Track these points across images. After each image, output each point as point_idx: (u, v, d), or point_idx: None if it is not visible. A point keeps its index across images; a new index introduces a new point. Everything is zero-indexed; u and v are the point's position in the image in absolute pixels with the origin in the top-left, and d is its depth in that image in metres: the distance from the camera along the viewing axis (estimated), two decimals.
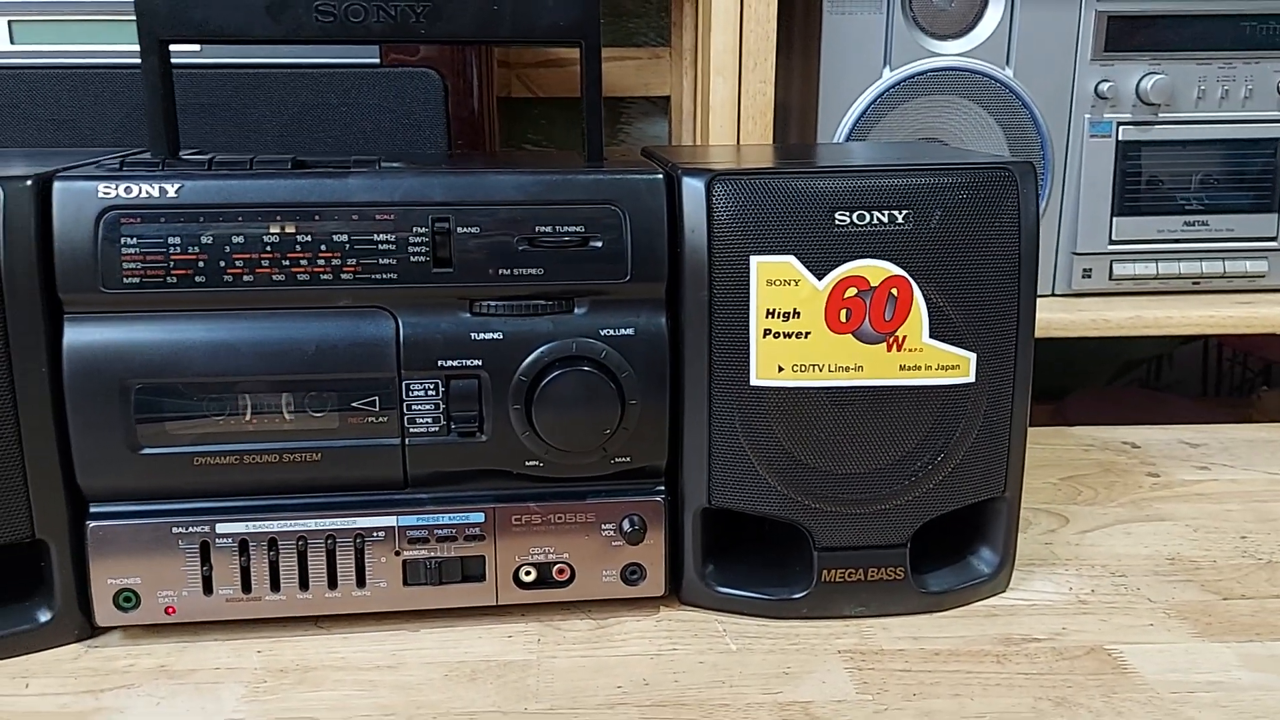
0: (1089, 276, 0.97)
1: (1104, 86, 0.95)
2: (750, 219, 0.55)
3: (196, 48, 0.83)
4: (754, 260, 0.55)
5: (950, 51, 0.96)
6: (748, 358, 0.56)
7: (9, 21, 0.83)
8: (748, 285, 0.55)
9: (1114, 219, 0.97)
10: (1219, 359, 1.47)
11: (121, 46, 0.83)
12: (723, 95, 0.87)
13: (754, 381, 0.56)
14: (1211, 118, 0.96)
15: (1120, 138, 0.96)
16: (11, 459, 0.53)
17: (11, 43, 0.83)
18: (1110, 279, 0.97)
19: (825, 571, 0.59)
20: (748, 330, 0.55)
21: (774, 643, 0.57)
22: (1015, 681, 0.53)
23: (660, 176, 0.56)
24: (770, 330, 0.55)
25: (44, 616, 0.56)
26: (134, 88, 0.83)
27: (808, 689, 0.53)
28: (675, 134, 1.18)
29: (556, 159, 0.67)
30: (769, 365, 0.56)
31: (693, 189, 0.56)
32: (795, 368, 0.55)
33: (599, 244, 0.56)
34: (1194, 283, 0.97)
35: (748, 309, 0.55)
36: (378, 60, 0.85)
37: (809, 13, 0.95)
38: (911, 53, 0.96)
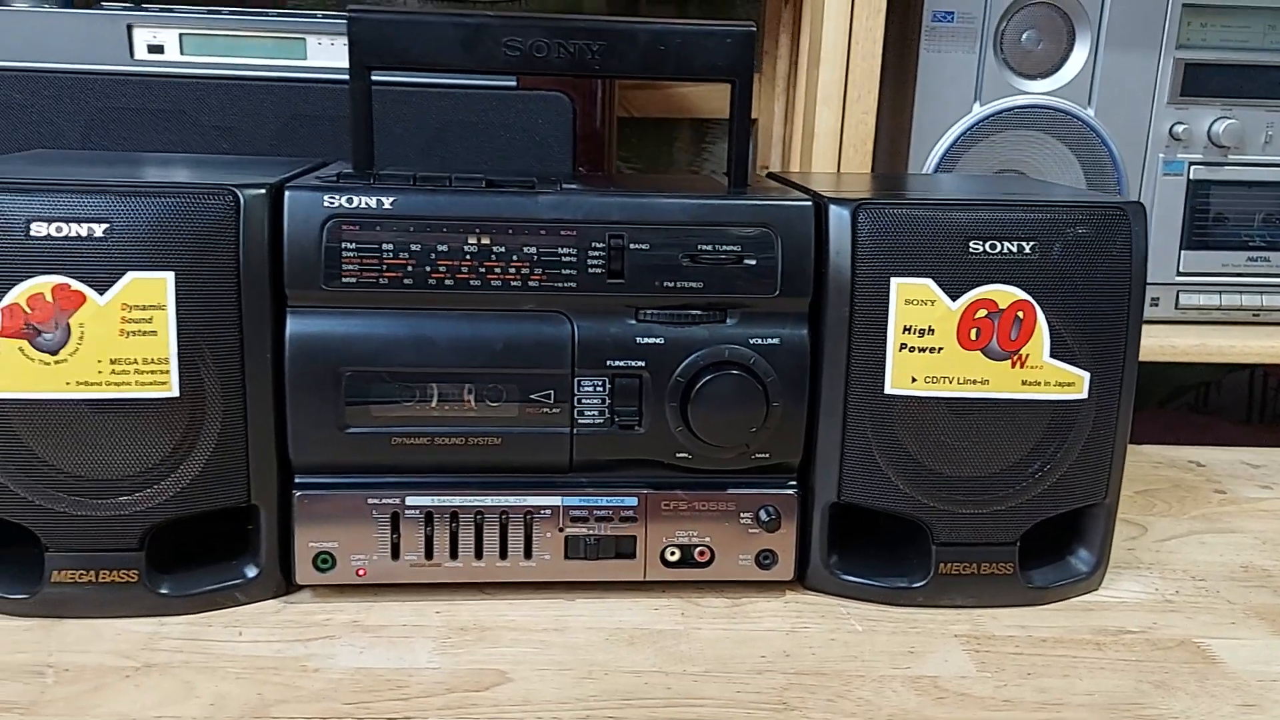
0: (1156, 305, 1.03)
1: (1178, 128, 1.02)
2: (892, 244, 0.62)
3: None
4: (894, 281, 0.62)
5: (1036, 90, 1.03)
6: (883, 368, 0.63)
7: (180, 34, 0.90)
8: (886, 303, 0.62)
9: (1182, 252, 1.03)
10: (1264, 386, 1.53)
11: (278, 61, 0.91)
12: (828, 124, 0.94)
13: (888, 390, 0.63)
14: (1277, 161, 1.03)
15: (1191, 177, 1.03)
16: (238, 433, 0.60)
17: (182, 53, 0.91)
18: (1176, 308, 1.04)
19: (942, 564, 0.65)
20: (884, 344, 0.62)
21: (895, 626, 0.64)
22: (1116, 667, 0.60)
23: (810, 204, 0.63)
24: (906, 344, 0.62)
25: (251, 572, 0.63)
26: (290, 99, 0.90)
27: (933, 666, 0.60)
28: (761, 156, 1.25)
29: (700, 183, 0.74)
30: (903, 376, 0.62)
31: (839, 216, 0.63)
32: (927, 379, 0.62)
33: (753, 262, 0.63)
34: (1254, 314, 1.04)
35: (885, 325, 0.62)
36: (514, 83, 0.92)
37: (905, 50, 1.02)
38: (1000, 90, 1.02)
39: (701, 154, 1.35)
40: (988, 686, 0.58)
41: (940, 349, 0.62)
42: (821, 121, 0.94)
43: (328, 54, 0.91)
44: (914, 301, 0.62)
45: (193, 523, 0.61)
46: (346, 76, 0.92)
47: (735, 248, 0.63)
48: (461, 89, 0.92)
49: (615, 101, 0.96)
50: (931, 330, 0.62)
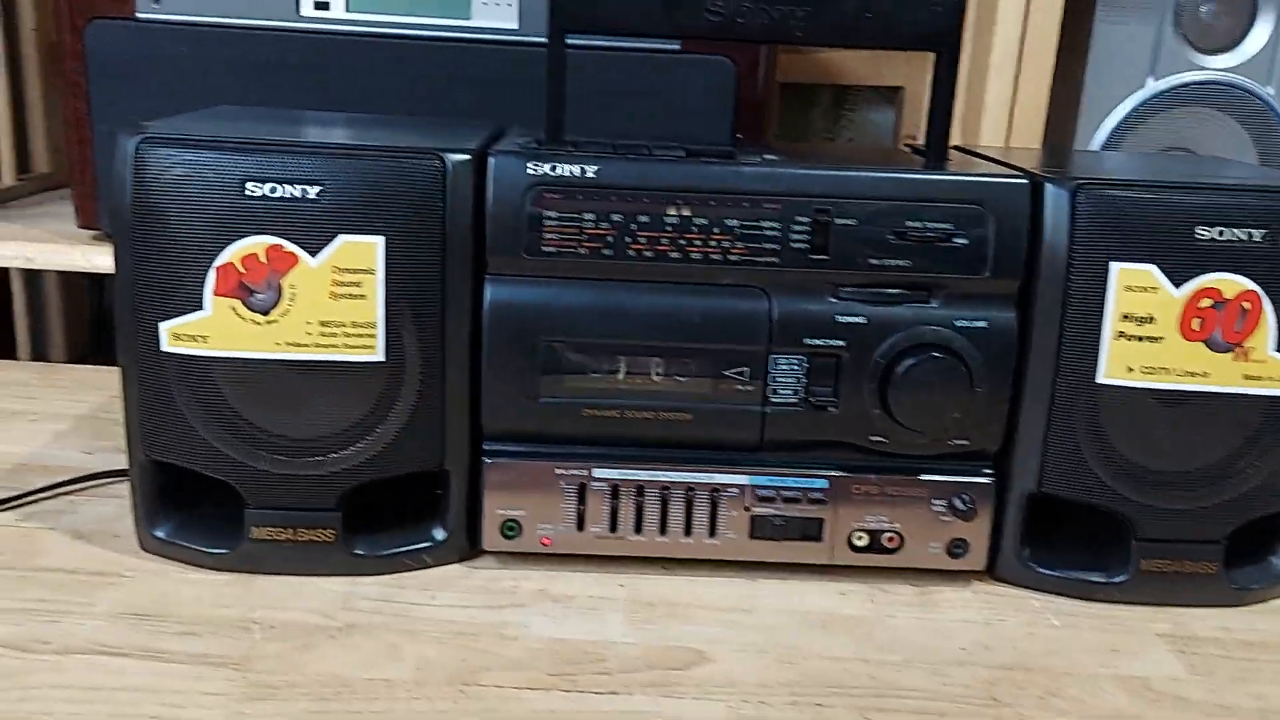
0: None
1: None
2: (1113, 228, 0.59)
3: (513, 24, 0.90)
4: (1114, 266, 0.59)
5: (1215, 66, 0.98)
6: (1096, 356, 0.60)
7: None
8: (1103, 289, 0.59)
9: None
10: None
11: (442, 20, 0.90)
12: (998, 94, 0.91)
13: (1100, 379, 0.60)
14: None
15: None
16: (434, 398, 0.60)
17: (348, 10, 0.90)
18: None
19: (1143, 561, 0.63)
20: (1099, 331, 0.60)
21: (1094, 622, 0.62)
22: None
23: (1025, 182, 0.61)
24: (1124, 333, 0.59)
25: (440, 535, 0.63)
26: (449, 60, 0.90)
27: (1140, 666, 0.58)
28: (906, 125, 1.22)
29: (894, 156, 0.71)
30: (1118, 365, 0.60)
31: (1057, 196, 0.60)
32: (1144, 369, 0.60)
33: (963, 240, 0.60)
34: None
35: (1101, 311, 0.60)
36: (678, 47, 0.90)
37: (1079, 20, 0.98)
38: (1177, 64, 0.98)
39: (840, 121, 1.32)
40: (1201, 690, 0.55)
41: (1160, 338, 0.59)
42: (992, 91, 0.91)
43: (491, 14, 0.90)
44: (1134, 288, 0.59)
45: (379, 487, 0.61)
46: (507, 38, 0.93)
47: (946, 225, 0.60)
48: (619, 52, 0.90)
49: (776, 66, 0.93)
50: (1151, 319, 0.59)
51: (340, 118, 0.74)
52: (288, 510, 0.60)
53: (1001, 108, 0.90)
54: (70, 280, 1.30)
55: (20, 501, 0.69)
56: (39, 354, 1.29)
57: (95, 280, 1.34)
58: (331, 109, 0.89)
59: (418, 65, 0.90)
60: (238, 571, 0.61)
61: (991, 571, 0.66)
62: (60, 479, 0.71)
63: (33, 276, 1.27)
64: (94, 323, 1.38)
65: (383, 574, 0.62)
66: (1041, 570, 0.64)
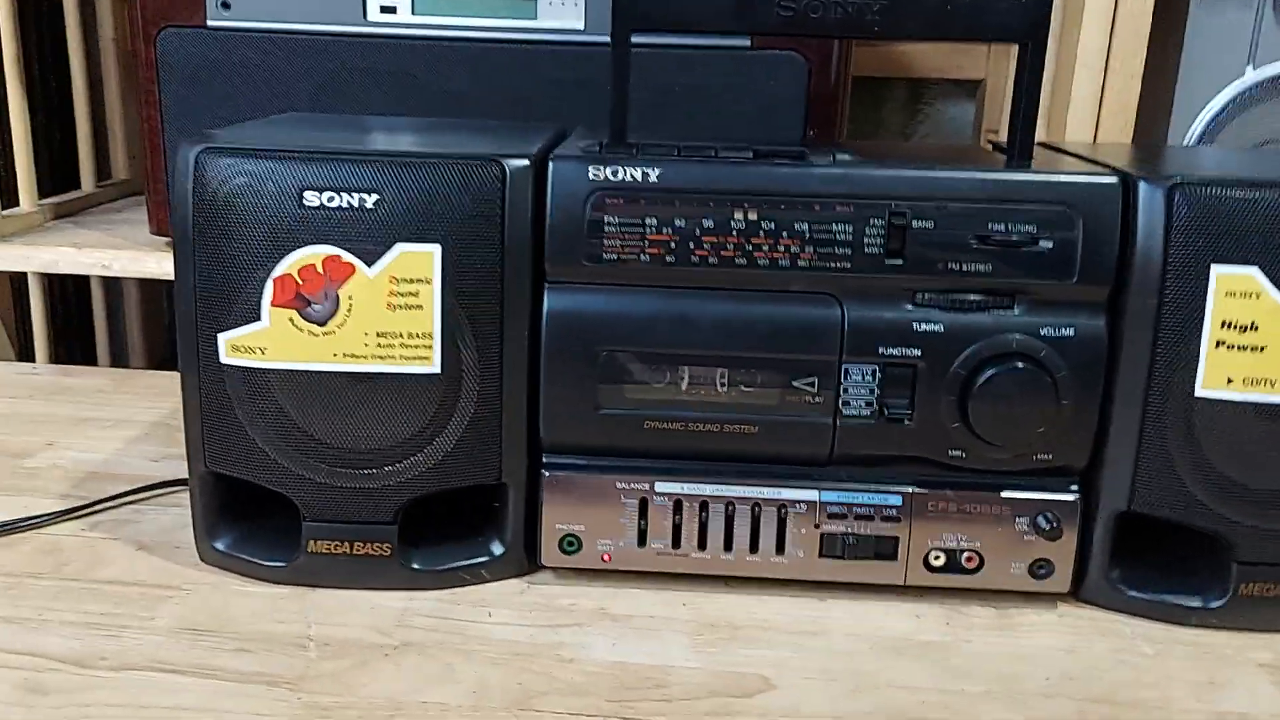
0: None
1: None
2: (1212, 229, 0.55)
3: (579, 24, 0.89)
4: (1214, 270, 0.55)
5: None
6: (1194, 367, 0.56)
7: None
8: (1202, 295, 0.55)
9: None
10: None
11: (508, 22, 0.89)
12: (1086, 89, 0.86)
13: (1198, 392, 0.56)
14: None
15: None
16: (492, 409, 0.59)
17: (414, 13, 0.90)
18: None
19: (1243, 585, 0.59)
20: (1198, 340, 0.56)
21: (1187, 650, 0.58)
22: None
23: (1116, 181, 0.57)
24: (1224, 342, 0.55)
25: (497, 550, 0.62)
26: (517, 62, 0.89)
27: (1239, 700, 0.53)
28: (986, 120, 1.17)
29: (972, 154, 0.68)
30: (1217, 377, 0.56)
31: (1151, 196, 0.56)
32: (1245, 381, 0.55)
33: (1049, 244, 0.57)
34: None
35: (1200, 319, 0.55)
36: (748, 43, 0.88)
37: (1172, 7, 0.93)
38: (1276, 53, 0.92)
39: (916, 116, 1.28)
40: None
41: (1263, 348, 0.55)
42: (1080, 86, 0.86)
43: (558, 14, 0.89)
44: (1236, 294, 0.55)
45: (436, 500, 0.60)
46: (573, 38, 0.91)
47: (1030, 228, 0.57)
48: (688, 49, 0.88)
49: (851, 61, 0.90)
50: (1255, 327, 0.55)
51: (404, 123, 0.73)
52: (344, 524, 0.59)
53: (1089, 103, 0.85)
54: (148, 287, 1.33)
55: (85, 511, 0.69)
56: (119, 361, 1.32)
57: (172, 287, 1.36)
58: (401, 113, 0.89)
59: (484, 67, 0.89)
60: (295, 585, 0.61)
61: (1077, 594, 0.62)
62: (127, 488, 0.72)
63: (112, 284, 1.30)
64: (171, 329, 1.40)
65: (440, 589, 0.61)
66: (1131, 593, 0.61)
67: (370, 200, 0.55)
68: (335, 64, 0.90)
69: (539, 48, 0.88)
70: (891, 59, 1.20)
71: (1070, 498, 0.60)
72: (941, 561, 0.61)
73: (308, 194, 0.55)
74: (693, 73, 0.88)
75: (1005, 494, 0.60)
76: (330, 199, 0.55)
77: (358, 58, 0.90)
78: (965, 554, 0.61)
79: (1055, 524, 0.60)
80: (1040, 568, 0.61)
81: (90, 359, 1.30)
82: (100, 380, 0.98)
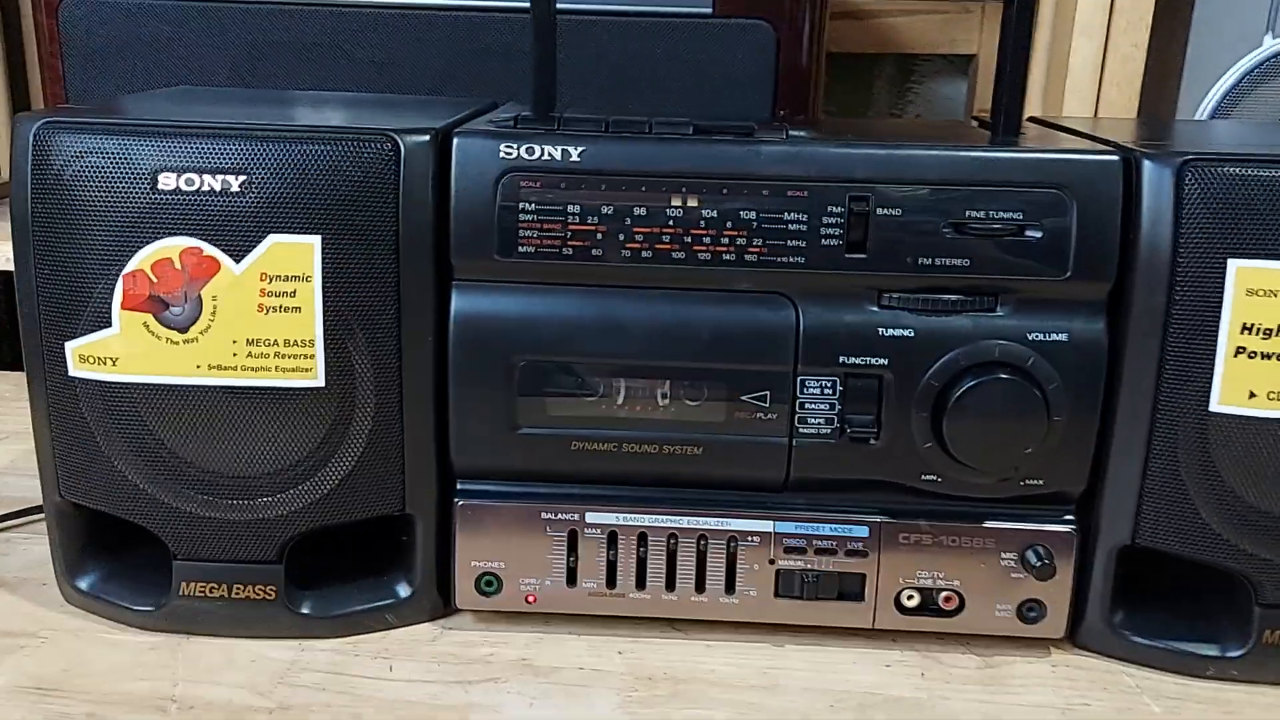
0: None
1: None
2: (1230, 214, 0.47)
3: None
4: (1232, 264, 0.47)
5: None
6: (1209, 378, 0.48)
7: None
8: (1218, 293, 0.47)
9: None
10: None
11: None
12: (1085, 57, 0.78)
13: (1214, 407, 0.48)
14: None
15: None
16: (392, 429, 0.50)
17: None
18: None
19: (1268, 631, 0.51)
20: (1214, 346, 0.47)
21: (1203, 708, 0.50)
22: None
23: (1117, 159, 0.48)
24: (1245, 349, 0.47)
25: (404, 592, 0.54)
26: (456, 32, 0.80)
27: None
28: (979, 97, 1.09)
29: (954, 130, 0.59)
30: (1238, 390, 0.47)
31: (1157, 176, 0.48)
32: (1271, 395, 0.47)
33: (1038, 234, 0.48)
34: None
35: (1216, 321, 0.47)
36: (710, 9, 0.79)
37: None
38: None
39: (905, 95, 1.19)
40: None
41: None
42: (1078, 55, 0.78)
43: None
44: (1259, 292, 0.47)
45: (335, 532, 0.52)
46: (515, 3, 0.82)
47: (1015, 215, 0.48)
48: (646, 17, 0.79)
49: (825, 32, 0.82)
50: None
51: (308, 97, 0.65)
52: (221, 563, 0.51)
53: (1089, 73, 0.77)
54: None
55: None
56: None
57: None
58: (328, 89, 0.80)
59: (417, 36, 0.80)
60: (167, 632, 0.52)
61: (1073, 639, 0.54)
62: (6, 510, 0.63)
63: None
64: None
65: (337, 637, 0.53)
66: (1136, 639, 0.52)
67: (237, 183, 0.47)
68: (254, 36, 0.81)
69: (477, 14, 0.80)
70: (878, 33, 1.12)
71: (1064, 529, 0.52)
72: (915, 602, 0.53)
73: (163, 176, 0.47)
74: (648, 44, 0.79)
75: (988, 524, 0.52)
76: (189, 182, 0.47)
77: (279, 29, 0.81)
78: (943, 593, 0.53)
79: (1047, 559, 0.51)
80: (1030, 610, 0.52)
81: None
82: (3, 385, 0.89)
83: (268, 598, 0.52)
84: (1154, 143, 0.52)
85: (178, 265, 0.47)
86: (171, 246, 0.47)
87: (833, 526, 0.52)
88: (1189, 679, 0.52)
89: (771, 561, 0.53)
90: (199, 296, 0.47)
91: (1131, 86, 0.77)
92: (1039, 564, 0.51)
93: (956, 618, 0.53)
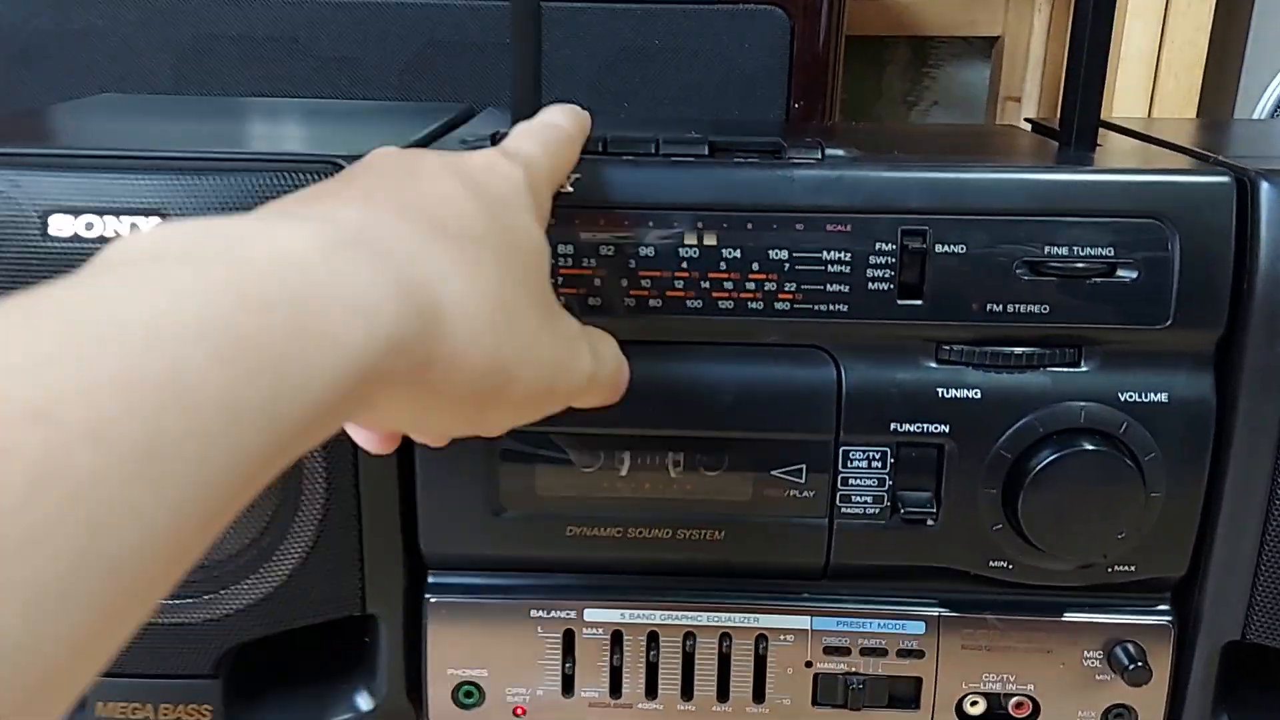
0: None
1: None
2: None
3: None
4: None
5: None
6: None
7: None
8: None
9: None
10: None
11: None
12: (1139, 44, 0.69)
13: None
14: None
15: None
16: (349, 511, 0.42)
17: None
18: None
19: None
20: None
21: None
22: None
23: (1229, 179, 0.40)
24: None
25: (365, 705, 0.45)
26: (424, 22, 0.71)
27: None
28: (1004, 83, 1.00)
29: (1006, 140, 0.50)
30: None
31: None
32: None
33: (1133, 273, 0.40)
34: None
35: None
36: None
37: None
38: None
39: (922, 81, 1.10)
40: None
41: None
42: (1131, 41, 0.69)
43: None
44: None
45: (278, 640, 0.43)
46: None
47: (1105, 250, 0.40)
48: (642, 4, 0.70)
49: (844, 19, 0.73)
50: None
51: (253, 106, 0.56)
52: (146, 678, 0.42)
53: (1143, 63, 0.68)
54: None
55: None
56: None
57: None
58: (282, 89, 0.71)
59: (387, 30, 0.71)
60: None
61: None
62: None
63: None
64: None
65: None
66: None
67: (147, 225, 0.38)
68: (200, 30, 0.72)
69: (449, 4, 0.71)
70: (892, 14, 1.02)
71: (1161, 622, 0.43)
72: (981, 709, 0.44)
73: (55, 219, 0.38)
74: (652, 33, 0.71)
75: (1068, 617, 0.43)
76: (89, 226, 0.38)
77: (227, 21, 0.72)
78: (1014, 699, 0.44)
79: (1139, 661, 0.43)
80: (1118, 716, 0.44)
81: None
82: None
83: (202, 718, 0.43)
84: (1270, 159, 0.43)
85: None
86: None
87: (882, 623, 0.44)
88: None
89: (809, 664, 0.44)
90: None
91: (1192, 76, 0.68)
92: (1130, 664, 0.43)
93: None
